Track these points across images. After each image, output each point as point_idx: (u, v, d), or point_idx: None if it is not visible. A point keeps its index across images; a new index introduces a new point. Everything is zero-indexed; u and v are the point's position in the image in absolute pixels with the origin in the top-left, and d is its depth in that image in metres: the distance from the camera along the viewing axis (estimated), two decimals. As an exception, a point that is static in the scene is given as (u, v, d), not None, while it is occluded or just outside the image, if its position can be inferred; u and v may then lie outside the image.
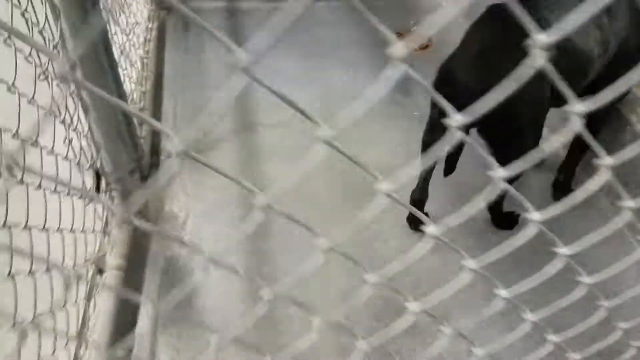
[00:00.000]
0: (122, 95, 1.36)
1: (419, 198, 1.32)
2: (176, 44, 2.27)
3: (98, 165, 1.27)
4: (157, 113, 1.83)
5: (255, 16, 2.49)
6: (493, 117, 0.85)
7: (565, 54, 0.93)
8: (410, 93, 2.00)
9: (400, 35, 1.84)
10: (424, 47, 2.18)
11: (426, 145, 1.23)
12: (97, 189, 1.26)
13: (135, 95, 1.64)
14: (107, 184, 1.30)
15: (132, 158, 1.36)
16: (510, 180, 0.42)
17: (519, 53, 0.39)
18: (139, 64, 1.75)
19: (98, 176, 1.26)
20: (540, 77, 0.38)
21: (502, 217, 1.29)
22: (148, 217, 1.51)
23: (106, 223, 1.28)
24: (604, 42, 0.98)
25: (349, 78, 2.15)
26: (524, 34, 0.35)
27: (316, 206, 1.61)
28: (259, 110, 1.95)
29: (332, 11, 2.49)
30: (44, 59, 0.96)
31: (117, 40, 1.52)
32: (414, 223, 1.39)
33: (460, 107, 0.40)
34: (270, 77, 0.59)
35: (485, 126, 1.03)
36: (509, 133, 1.01)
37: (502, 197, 1.19)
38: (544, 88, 0.98)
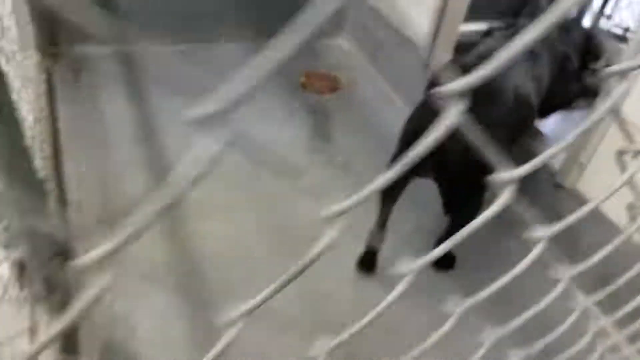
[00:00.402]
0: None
1: (376, 243, 1.35)
2: (68, 96, 2.04)
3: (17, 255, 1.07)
4: (60, 181, 1.61)
5: (156, 60, 2.35)
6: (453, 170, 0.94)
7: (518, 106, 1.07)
8: (329, 138, 2.04)
9: (308, 76, 1.88)
10: (334, 89, 2.26)
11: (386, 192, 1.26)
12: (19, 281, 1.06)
13: (37, 163, 1.43)
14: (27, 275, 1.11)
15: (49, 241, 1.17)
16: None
17: None
18: (36, 127, 1.54)
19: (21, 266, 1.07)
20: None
21: (445, 258, 1.37)
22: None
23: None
24: (539, 93, 1.14)
25: (262, 125, 2.12)
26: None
27: (254, 263, 1.55)
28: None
29: (242, 52, 2.43)
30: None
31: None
32: (367, 266, 1.40)
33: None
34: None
35: (443, 177, 1.12)
36: (463, 184, 1.11)
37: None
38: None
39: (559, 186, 1.52)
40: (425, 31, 1.98)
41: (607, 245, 0.59)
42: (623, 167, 1.20)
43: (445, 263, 1.37)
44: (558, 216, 0.50)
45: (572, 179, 1.51)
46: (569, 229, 0.52)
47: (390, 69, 2.23)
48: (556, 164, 1.55)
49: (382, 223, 1.33)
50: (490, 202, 0.45)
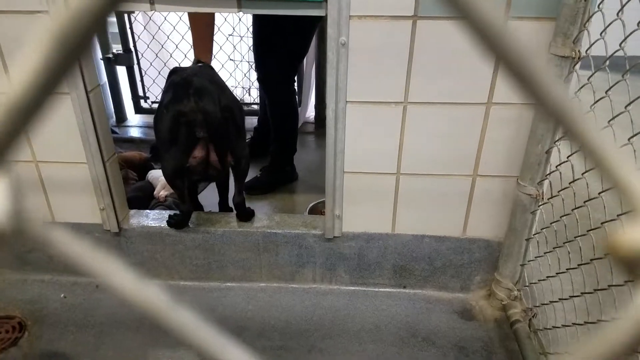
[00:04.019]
0: None
1: (187, 209, 1.50)
2: None
3: None
4: None
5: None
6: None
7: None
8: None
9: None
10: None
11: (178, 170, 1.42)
12: None
13: None
14: None
15: None
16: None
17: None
18: None
19: None
20: None
21: (246, 212, 1.55)
22: None
23: None
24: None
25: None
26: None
27: None
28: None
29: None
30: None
31: None
32: (179, 224, 1.53)
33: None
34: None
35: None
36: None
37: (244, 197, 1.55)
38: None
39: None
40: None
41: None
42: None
43: (246, 217, 1.55)
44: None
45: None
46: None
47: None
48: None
49: (184, 198, 1.48)
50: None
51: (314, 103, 2.69)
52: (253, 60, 2.23)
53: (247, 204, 1.56)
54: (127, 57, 2.67)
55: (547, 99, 0.15)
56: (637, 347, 0.12)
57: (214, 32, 1.64)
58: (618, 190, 0.14)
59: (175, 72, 1.47)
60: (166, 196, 1.86)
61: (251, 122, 2.44)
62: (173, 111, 1.35)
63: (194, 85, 1.34)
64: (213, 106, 1.34)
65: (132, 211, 1.60)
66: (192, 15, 1.58)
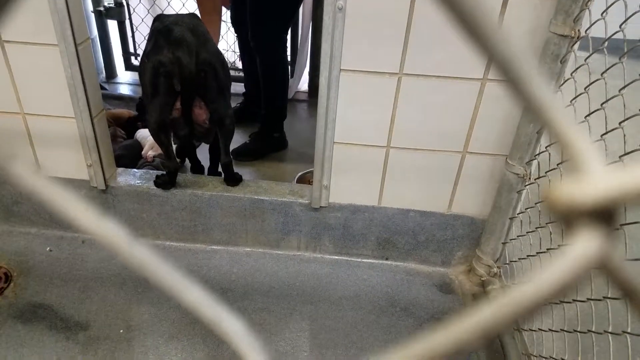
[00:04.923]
0: None
1: (174, 167, 1.50)
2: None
3: None
4: None
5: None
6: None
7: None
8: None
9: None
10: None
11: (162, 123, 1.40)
12: None
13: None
14: None
15: None
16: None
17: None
18: None
19: None
20: None
21: (234, 177, 1.55)
22: None
23: None
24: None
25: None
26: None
27: None
28: None
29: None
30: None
31: None
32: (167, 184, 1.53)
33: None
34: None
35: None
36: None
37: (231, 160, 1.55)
38: None
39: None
40: None
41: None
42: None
43: (233, 181, 1.56)
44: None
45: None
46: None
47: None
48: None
49: (169, 154, 1.47)
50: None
51: (308, 73, 2.66)
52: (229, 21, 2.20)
53: (236, 170, 1.56)
54: (118, 11, 2.60)
55: (533, 102, 0.15)
56: (565, 293, 0.13)
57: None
58: (561, 145, 0.14)
59: (158, 19, 1.44)
60: (154, 156, 1.86)
61: (242, 89, 2.41)
62: (153, 61, 1.32)
63: (173, 34, 1.31)
64: (188, 58, 1.31)
65: (120, 169, 1.59)
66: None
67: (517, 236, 1.41)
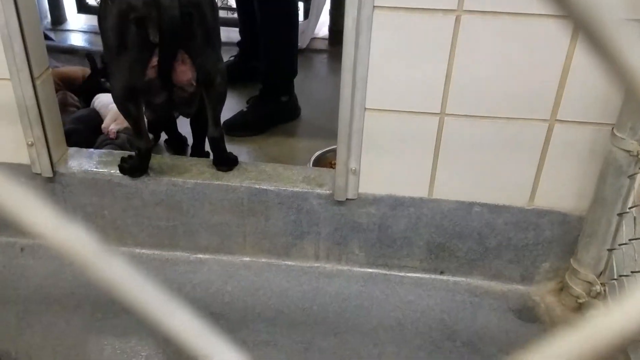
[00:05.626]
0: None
1: (146, 146, 1.51)
2: None
3: None
4: None
5: None
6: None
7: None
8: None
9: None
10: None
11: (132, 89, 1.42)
12: None
13: None
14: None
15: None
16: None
17: None
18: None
19: None
20: None
21: (226, 157, 1.58)
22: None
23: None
24: None
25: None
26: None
27: None
28: None
29: None
30: None
31: None
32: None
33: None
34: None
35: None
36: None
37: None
38: None
39: None
40: None
41: None
42: None
43: (226, 164, 1.58)
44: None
45: None
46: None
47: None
48: None
49: (139, 129, 1.48)
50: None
51: (328, 12, 2.64)
52: None
53: (229, 149, 1.57)
54: None
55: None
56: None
57: None
58: None
59: None
60: (118, 131, 1.88)
61: (236, 36, 2.42)
62: (120, 4, 1.33)
63: None
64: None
65: (72, 150, 1.62)
66: None
67: (630, 240, 1.38)
